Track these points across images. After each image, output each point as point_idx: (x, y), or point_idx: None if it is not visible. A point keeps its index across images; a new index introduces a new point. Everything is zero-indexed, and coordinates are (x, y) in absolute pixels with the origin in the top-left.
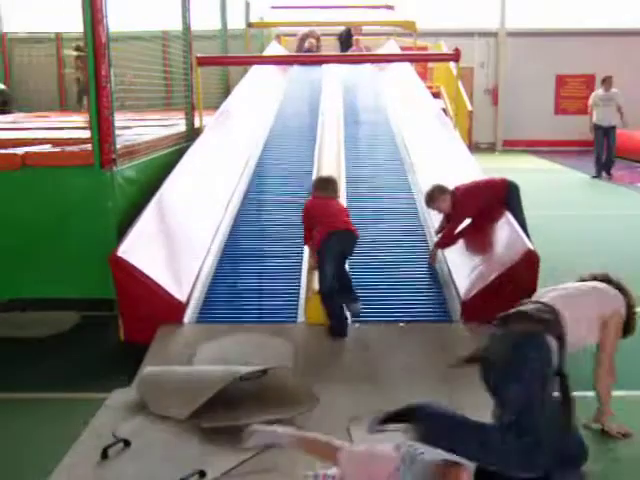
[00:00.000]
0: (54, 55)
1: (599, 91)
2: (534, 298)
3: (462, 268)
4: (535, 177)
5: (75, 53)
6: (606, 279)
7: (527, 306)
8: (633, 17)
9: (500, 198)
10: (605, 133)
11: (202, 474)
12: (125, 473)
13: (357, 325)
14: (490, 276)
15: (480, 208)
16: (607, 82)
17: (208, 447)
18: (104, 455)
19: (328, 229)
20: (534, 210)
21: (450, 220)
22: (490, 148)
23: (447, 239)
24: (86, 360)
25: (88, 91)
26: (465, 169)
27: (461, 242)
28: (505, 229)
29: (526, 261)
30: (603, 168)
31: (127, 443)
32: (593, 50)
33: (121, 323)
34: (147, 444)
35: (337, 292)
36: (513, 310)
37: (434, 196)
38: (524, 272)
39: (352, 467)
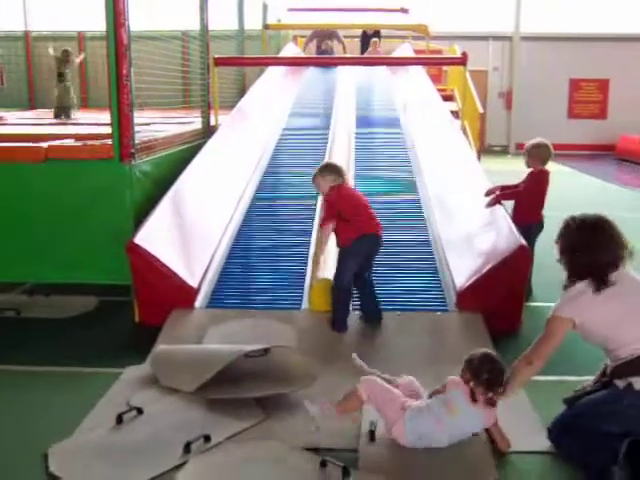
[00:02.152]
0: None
1: None
2: None
3: (458, 260)
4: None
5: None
6: None
7: None
8: None
9: (528, 216)
10: None
11: (207, 438)
12: (137, 436)
13: (357, 314)
14: (484, 268)
15: (531, 197)
16: None
17: (213, 416)
18: (119, 420)
19: (362, 231)
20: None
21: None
22: (503, 151)
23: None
24: (103, 340)
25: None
26: (468, 171)
27: (459, 236)
28: (501, 226)
29: (518, 255)
30: None
31: (140, 411)
32: (607, 55)
33: (136, 307)
34: (158, 412)
35: (361, 302)
36: None
37: (537, 146)
38: (516, 265)
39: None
